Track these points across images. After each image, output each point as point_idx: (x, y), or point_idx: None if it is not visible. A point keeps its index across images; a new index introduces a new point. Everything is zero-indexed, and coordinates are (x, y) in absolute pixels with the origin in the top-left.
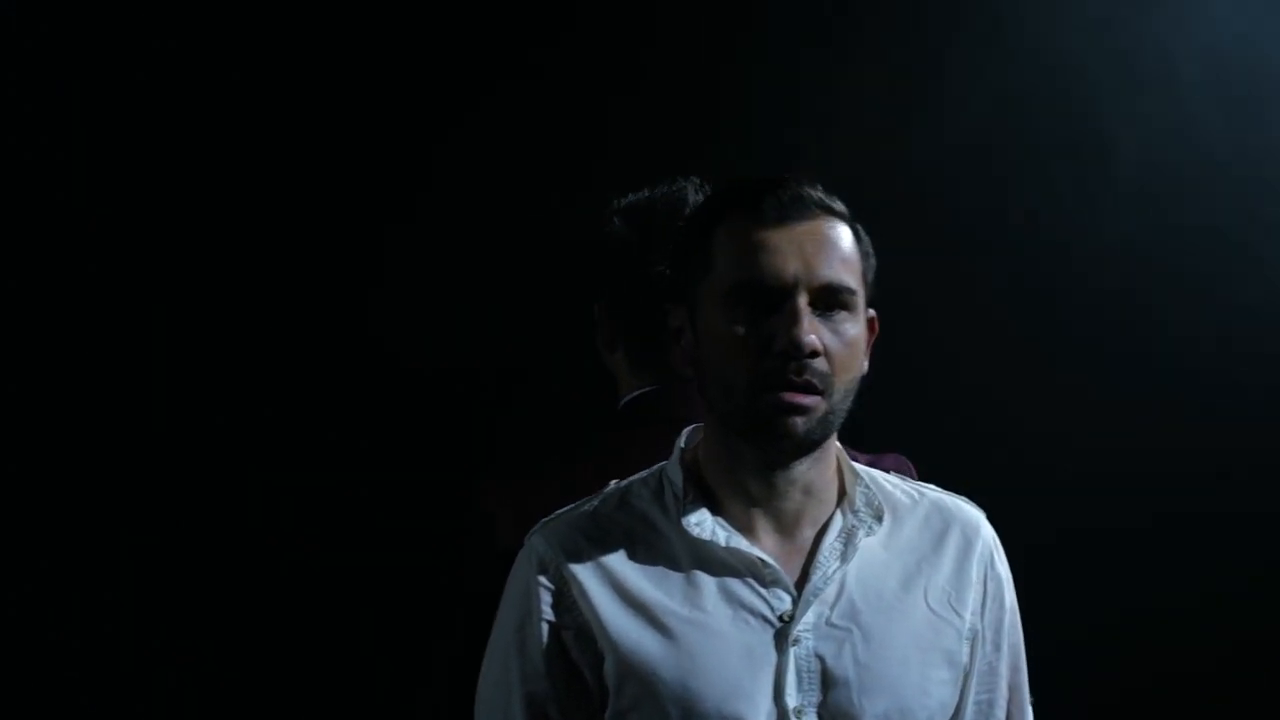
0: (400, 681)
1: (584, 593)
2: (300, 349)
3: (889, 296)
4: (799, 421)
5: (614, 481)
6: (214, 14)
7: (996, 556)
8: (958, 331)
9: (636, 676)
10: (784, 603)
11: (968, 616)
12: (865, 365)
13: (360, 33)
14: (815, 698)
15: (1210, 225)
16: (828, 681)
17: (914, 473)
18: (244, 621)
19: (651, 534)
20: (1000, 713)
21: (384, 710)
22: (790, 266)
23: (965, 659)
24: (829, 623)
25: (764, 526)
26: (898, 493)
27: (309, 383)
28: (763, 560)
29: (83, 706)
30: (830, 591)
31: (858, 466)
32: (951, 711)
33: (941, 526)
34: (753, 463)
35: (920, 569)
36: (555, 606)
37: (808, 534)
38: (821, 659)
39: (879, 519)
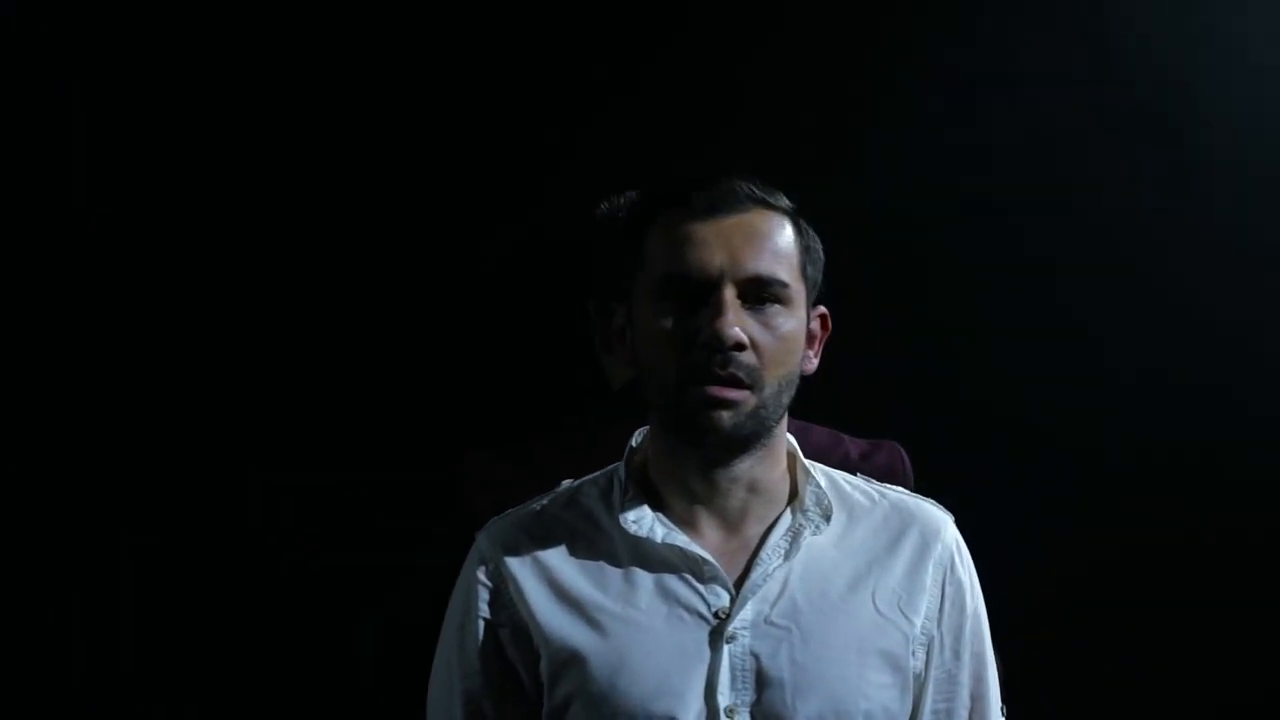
0: (400, 681)
1: (520, 590)
2: (300, 349)
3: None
4: (724, 416)
5: (567, 480)
6: (214, 14)
7: (958, 561)
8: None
9: (568, 674)
10: (721, 599)
11: (919, 621)
12: (813, 361)
13: (354, 31)
14: (749, 697)
15: None
16: (762, 681)
17: (906, 462)
18: (244, 621)
19: (594, 531)
20: None
21: (384, 710)
22: (716, 259)
23: (919, 664)
24: (768, 621)
25: (708, 524)
26: (857, 494)
27: (309, 383)
28: (700, 556)
29: (83, 706)
30: (772, 589)
31: (819, 467)
32: (897, 717)
33: (899, 528)
34: (693, 460)
35: (871, 570)
36: (492, 604)
37: (754, 531)
38: (757, 657)
39: (827, 519)
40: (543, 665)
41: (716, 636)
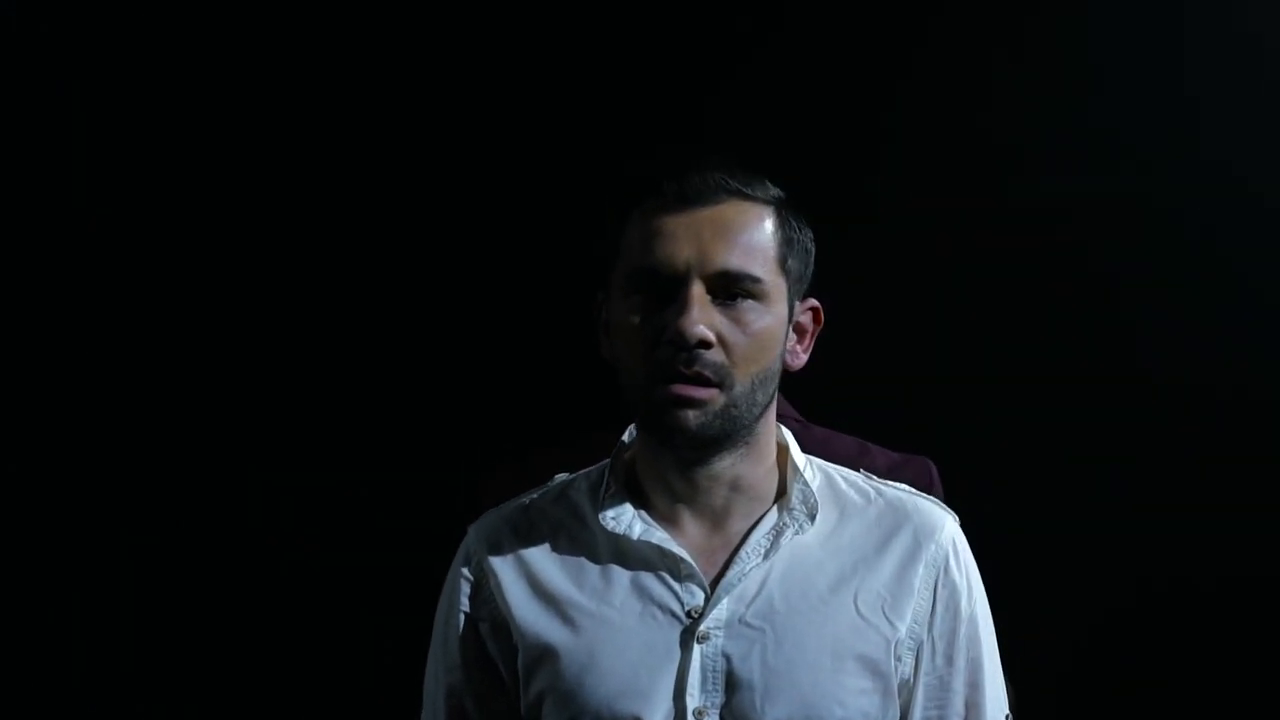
0: (400, 682)
1: (500, 585)
2: (300, 349)
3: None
4: (691, 415)
5: (560, 475)
6: (214, 14)
7: (954, 562)
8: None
9: (541, 670)
10: (695, 598)
11: (903, 625)
12: (801, 357)
13: (354, 32)
14: (719, 699)
15: None
16: (732, 683)
17: (936, 480)
18: (244, 621)
19: (579, 527)
20: None
21: (384, 710)
22: (683, 253)
23: (906, 670)
24: (743, 621)
25: (690, 521)
26: (852, 491)
27: (309, 383)
28: (677, 554)
29: (83, 706)
30: (749, 589)
31: (816, 462)
32: None
33: (891, 528)
34: (671, 457)
35: (856, 571)
36: (473, 599)
37: (738, 529)
38: (728, 659)
39: (812, 518)
40: (520, 660)
41: (688, 636)
